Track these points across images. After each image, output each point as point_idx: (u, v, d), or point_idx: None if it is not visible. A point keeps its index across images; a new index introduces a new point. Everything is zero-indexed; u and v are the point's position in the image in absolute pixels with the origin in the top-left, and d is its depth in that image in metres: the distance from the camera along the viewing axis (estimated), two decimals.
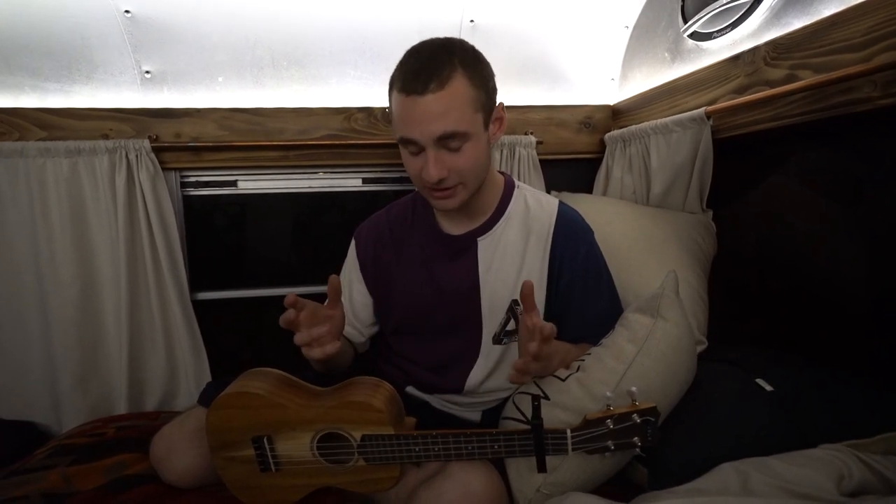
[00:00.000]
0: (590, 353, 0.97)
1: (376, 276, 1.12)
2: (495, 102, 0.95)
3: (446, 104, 0.85)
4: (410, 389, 1.11)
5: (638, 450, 0.81)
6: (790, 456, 0.80)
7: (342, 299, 0.97)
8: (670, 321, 0.95)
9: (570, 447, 0.81)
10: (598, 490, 0.90)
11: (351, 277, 1.14)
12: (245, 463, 0.87)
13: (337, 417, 0.84)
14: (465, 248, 1.04)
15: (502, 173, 1.11)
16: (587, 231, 1.07)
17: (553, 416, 0.91)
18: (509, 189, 1.07)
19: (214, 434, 0.87)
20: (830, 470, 0.74)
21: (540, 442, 0.80)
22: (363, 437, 0.83)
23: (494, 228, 1.04)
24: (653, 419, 0.79)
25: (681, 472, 0.86)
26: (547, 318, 1.02)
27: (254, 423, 0.85)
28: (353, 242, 1.16)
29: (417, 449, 0.83)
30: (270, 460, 0.87)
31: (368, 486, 0.87)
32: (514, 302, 1.00)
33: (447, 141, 0.87)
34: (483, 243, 1.03)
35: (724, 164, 1.28)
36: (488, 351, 1.04)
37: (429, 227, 1.08)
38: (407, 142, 0.90)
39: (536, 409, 0.80)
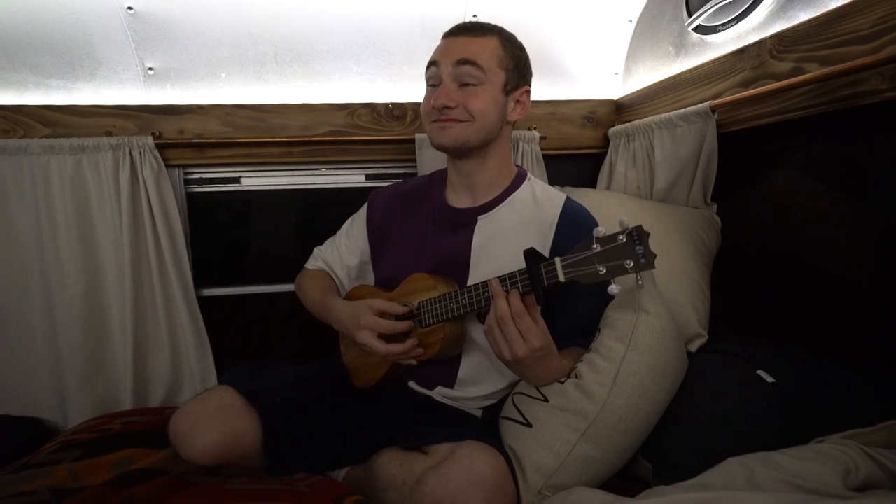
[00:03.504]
0: (582, 360, 0.97)
1: (379, 240, 1.19)
2: (521, 84, 1.05)
3: (474, 46, 0.99)
4: (412, 385, 1.12)
5: (632, 271, 0.78)
6: (796, 450, 0.80)
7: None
8: (652, 313, 0.94)
9: (561, 273, 0.82)
10: (602, 485, 0.91)
11: (355, 222, 1.25)
12: (356, 345, 1.10)
13: (407, 291, 1.07)
14: (465, 222, 1.08)
15: (517, 166, 1.15)
16: (593, 223, 1.06)
17: (553, 418, 0.91)
18: (520, 178, 1.11)
19: None
20: (837, 464, 0.74)
21: (535, 273, 0.85)
22: (419, 304, 1.02)
23: (496, 209, 1.07)
24: (637, 237, 0.77)
25: (684, 465, 0.87)
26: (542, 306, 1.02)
27: None
28: (366, 205, 1.25)
29: (452, 305, 0.96)
30: None
31: (426, 351, 1.02)
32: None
33: (464, 71, 0.98)
34: (482, 221, 1.07)
35: (729, 157, 1.27)
36: (476, 333, 1.05)
37: (437, 199, 1.14)
38: (430, 66, 1.02)
39: (529, 252, 0.86)
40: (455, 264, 1.06)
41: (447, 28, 1.06)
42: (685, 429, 0.94)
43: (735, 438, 0.88)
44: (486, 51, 0.99)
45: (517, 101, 1.05)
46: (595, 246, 0.80)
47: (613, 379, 0.90)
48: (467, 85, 0.99)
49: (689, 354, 1.11)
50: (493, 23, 1.05)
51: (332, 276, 1.25)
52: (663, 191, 1.43)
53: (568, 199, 1.08)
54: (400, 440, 0.96)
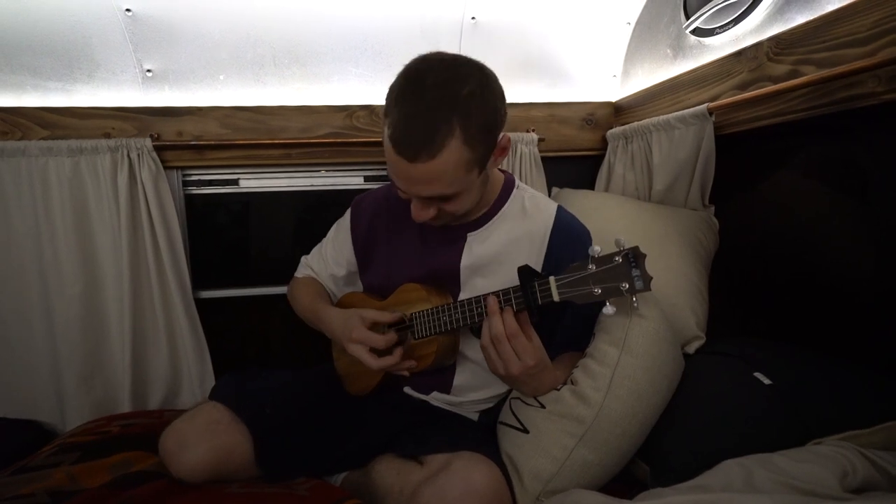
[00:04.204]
0: (577, 366, 0.97)
1: (365, 248, 1.16)
2: (497, 141, 0.89)
3: (436, 173, 0.82)
4: (408, 390, 1.11)
5: (628, 294, 0.78)
6: (794, 452, 0.80)
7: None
8: (645, 316, 0.94)
9: (555, 293, 0.82)
10: (601, 487, 0.91)
11: (339, 229, 1.21)
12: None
13: (399, 301, 1.05)
14: (455, 239, 1.04)
15: (504, 172, 1.10)
16: (585, 235, 1.05)
17: (550, 424, 0.91)
18: (507, 189, 1.06)
19: None
20: (834, 466, 0.74)
21: (529, 292, 0.84)
22: (412, 315, 1.00)
23: (487, 226, 1.03)
24: (633, 259, 0.77)
25: (681, 468, 0.87)
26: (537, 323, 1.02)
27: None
28: (349, 210, 1.20)
29: (446, 318, 0.95)
30: None
31: (419, 363, 1.01)
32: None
33: (433, 198, 0.89)
34: (472, 238, 1.03)
35: (727, 159, 1.28)
36: (468, 345, 1.05)
37: None
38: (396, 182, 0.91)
39: (523, 269, 0.86)
40: (447, 277, 1.04)
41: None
42: (683, 431, 0.94)
43: (733, 440, 0.88)
44: (449, 171, 0.82)
45: (498, 150, 0.91)
46: (591, 266, 0.80)
47: (608, 383, 0.90)
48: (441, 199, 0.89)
49: (687, 356, 1.11)
50: (445, 97, 0.80)
51: (322, 284, 1.24)
52: (661, 192, 1.43)
53: (559, 210, 1.05)
54: (398, 445, 0.96)
